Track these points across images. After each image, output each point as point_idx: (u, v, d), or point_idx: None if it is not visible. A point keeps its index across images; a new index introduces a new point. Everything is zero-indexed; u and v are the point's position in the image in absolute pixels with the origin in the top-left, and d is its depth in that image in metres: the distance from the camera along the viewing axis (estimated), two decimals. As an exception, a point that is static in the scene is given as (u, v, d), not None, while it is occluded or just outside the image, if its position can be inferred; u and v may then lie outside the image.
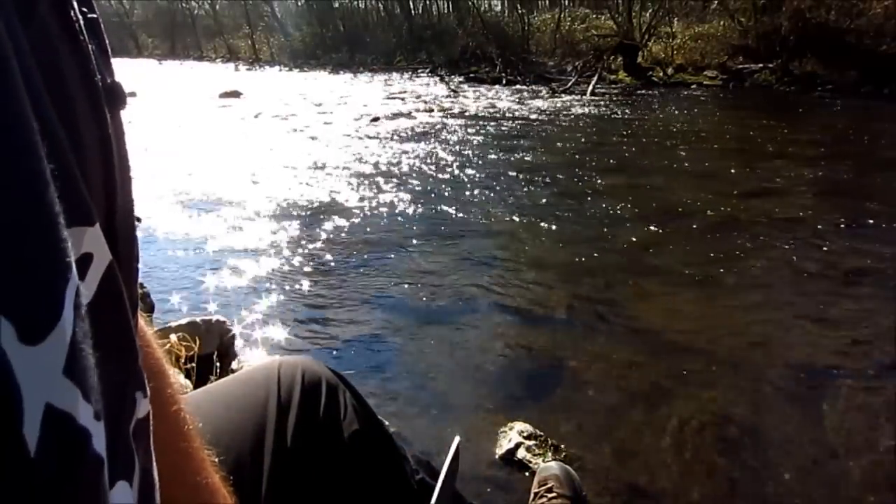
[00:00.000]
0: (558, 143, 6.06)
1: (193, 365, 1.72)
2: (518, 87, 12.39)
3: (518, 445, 1.55)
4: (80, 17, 0.26)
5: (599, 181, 4.45)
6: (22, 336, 0.18)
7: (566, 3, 19.65)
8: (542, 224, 3.46)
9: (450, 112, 8.63)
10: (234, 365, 1.97)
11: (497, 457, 1.55)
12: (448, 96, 10.90)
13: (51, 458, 0.18)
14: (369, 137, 6.53)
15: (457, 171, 4.86)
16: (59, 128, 0.22)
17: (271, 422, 0.64)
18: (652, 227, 3.35)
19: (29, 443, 0.18)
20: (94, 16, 0.27)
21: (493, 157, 5.45)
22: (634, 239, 3.20)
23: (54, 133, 0.21)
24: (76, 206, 0.23)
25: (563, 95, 10.59)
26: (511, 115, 8.28)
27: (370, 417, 0.71)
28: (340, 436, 0.67)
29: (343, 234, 3.38)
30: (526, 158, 5.38)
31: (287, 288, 2.66)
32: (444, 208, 3.83)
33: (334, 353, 2.11)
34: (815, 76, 10.47)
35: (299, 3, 28.61)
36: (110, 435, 0.25)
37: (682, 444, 1.59)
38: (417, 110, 8.82)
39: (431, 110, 8.81)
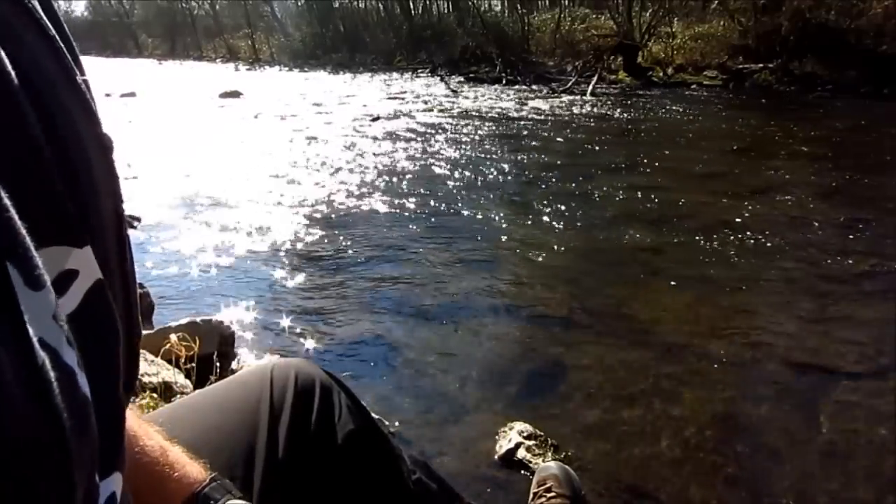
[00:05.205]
0: (558, 144, 6.06)
1: (193, 365, 1.72)
2: (518, 87, 12.38)
3: (518, 445, 1.54)
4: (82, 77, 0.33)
5: (599, 181, 4.45)
6: (27, 282, 0.23)
7: (566, 3, 19.64)
8: (542, 224, 3.46)
9: (449, 112, 8.63)
10: (233, 365, 1.98)
11: (497, 457, 1.55)
12: (448, 96, 10.90)
13: (50, 371, 0.23)
14: (369, 137, 6.53)
15: (456, 172, 4.87)
16: (58, 182, 0.27)
17: (263, 425, 0.65)
18: (651, 227, 3.35)
19: (38, 355, 0.23)
20: (86, 78, 0.33)
21: (492, 157, 5.45)
22: (634, 239, 3.20)
23: (46, 169, 0.27)
24: (65, 231, 0.28)
25: (563, 95, 10.58)
26: (511, 115, 8.28)
27: (366, 418, 0.71)
28: (334, 437, 0.67)
29: (343, 234, 3.38)
30: (525, 158, 5.38)
31: (287, 288, 2.66)
32: (444, 209, 3.83)
33: (334, 352, 2.11)
34: (815, 76, 10.46)
35: (299, 3, 28.62)
36: (112, 427, 0.30)
37: (682, 444, 1.59)
38: (417, 110, 8.82)
39: (431, 110, 8.81)
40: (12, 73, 0.25)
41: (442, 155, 5.52)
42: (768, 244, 3.05)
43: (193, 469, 0.54)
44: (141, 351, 0.45)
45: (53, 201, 0.28)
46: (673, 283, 2.62)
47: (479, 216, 3.66)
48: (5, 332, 0.21)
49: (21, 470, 0.21)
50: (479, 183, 4.48)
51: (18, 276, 0.22)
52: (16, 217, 0.23)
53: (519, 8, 18.83)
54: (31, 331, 0.22)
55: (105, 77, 14.45)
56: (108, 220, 0.34)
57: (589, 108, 8.74)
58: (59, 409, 0.23)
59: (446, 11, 21.76)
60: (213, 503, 0.52)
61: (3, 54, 0.25)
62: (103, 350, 0.31)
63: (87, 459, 0.26)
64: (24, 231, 0.23)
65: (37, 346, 0.23)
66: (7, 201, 0.23)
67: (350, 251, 3.11)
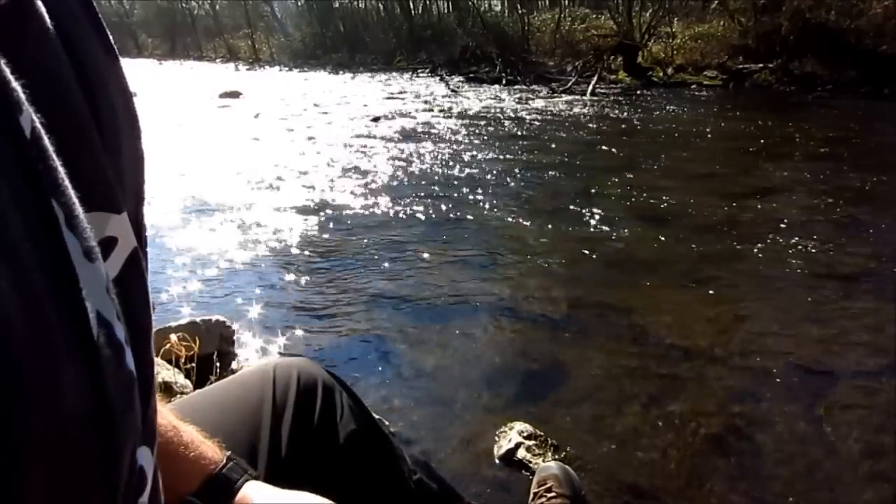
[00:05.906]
0: (558, 144, 6.06)
1: (193, 365, 1.72)
2: (518, 87, 12.38)
3: (518, 445, 1.54)
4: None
5: (599, 181, 4.45)
6: (84, 253, 0.22)
7: (566, 3, 19.63)
8: (542, 224, 3.46)
9: (450, 112, 8.63)
10: (234, 365, 1.98)
11: (497, 457, 1.55)
12: (448, 96, 10.90)
13: (104, 347, 0.23)
14: (369, 137, 6.53)
15: (456, 172, 4.87)
16: (98, 144, 0.27)
17: (266, 424, 0.65)
18: (652, 228, 3.35)
19: (94, 331, 0.22)
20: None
21: (492, 157, 5.45)
22: (634, 239, 3.20)
23: (91, 144, 0.27)
24: (105, 195, 0.27)
25: (563, 95, 10.58)
26: (511, 115, 8.28)
27: (367, 418, 0.71)
28: (336, 437, 0.67)
29: (343, 234, 3.38)
30: (526, 158, 5.38)
31: (287, 288, 2.66)
32: (444, 209, 3.83)
33: (335, 353, 2.11)
34: (815, 76, 10.46)
35: (299, 3, 28.61)
36: (144, 403, 0.30)
37: (682, 443, 1.59)
38: (417, 110, 8.82)
39: (431, 110, 8.80)
40: (46, 14, 0.24)
41: (442, 155, 5.52)
42: (768, 244, 3.05)
43: (209, 449, 0.53)
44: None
45: (92, 160, 0.26)
46: (673, 282, 2.63)
47: (479, 216, 3.66)
48: (64, 304, 0.21)
49: (74, 445, 0.21)
50: (479, 183, 4.48)
51: (77, 246, 0.22)
52: (69, 185, 0.22)
53: (519, 8, 18.82)
54: (88, 306, 0.22)
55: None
56: (130, 197, 0.32)
57: (589, 108, 8.74)
58: (110, 388, 0.23)
59: (446, 11, 21.75)
60: (232, 483, 0.51)
61: None
62: (138, 321, 0.30)
63: (130, 434, 0.26)
64: (76, 200, 0.22)
65: (93, 321, 0.22)
66: (61, 168, 0.22)
67: (350, 251, 3.11)
